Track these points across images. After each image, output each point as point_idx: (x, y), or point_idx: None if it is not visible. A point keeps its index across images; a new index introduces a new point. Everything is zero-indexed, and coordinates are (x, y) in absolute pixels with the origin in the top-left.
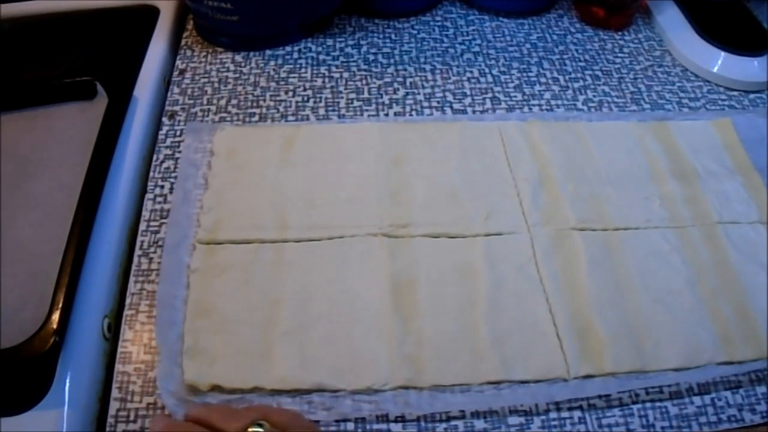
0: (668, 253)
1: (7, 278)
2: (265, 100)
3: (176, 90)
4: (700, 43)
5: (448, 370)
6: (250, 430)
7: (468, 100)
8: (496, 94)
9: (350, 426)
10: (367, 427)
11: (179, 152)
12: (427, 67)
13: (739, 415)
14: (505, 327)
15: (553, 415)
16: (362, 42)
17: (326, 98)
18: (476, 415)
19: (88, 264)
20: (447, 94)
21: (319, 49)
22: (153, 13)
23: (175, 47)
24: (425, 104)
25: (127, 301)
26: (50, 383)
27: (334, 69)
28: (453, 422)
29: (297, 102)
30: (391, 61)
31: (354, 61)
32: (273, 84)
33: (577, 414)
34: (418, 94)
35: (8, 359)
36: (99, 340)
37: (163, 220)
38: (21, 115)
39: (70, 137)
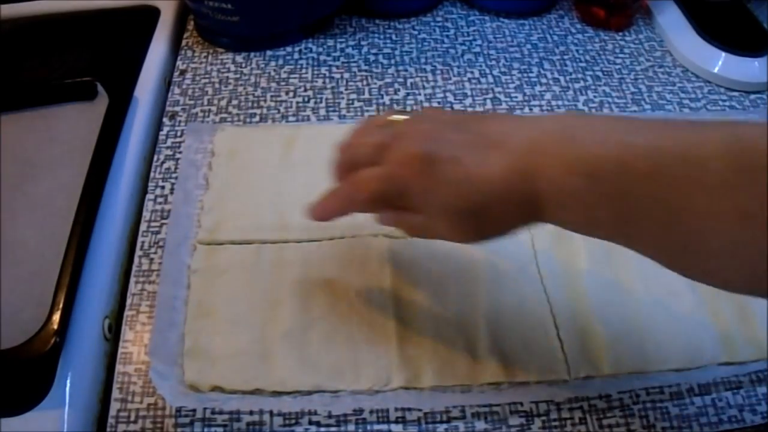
0: None
1: (8, 279)
2: (265, 101)
3: (177, 90)
4: (700, 44)
5: (448, 371)
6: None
7: (469, 101)
8: (497, 95)
9: (351, 427)
10: (368, 427)
11: (180, 153)
12: (428, 67)
13: (739, 415)
14: (506, 328)
15: (553, 415)
16: (363, 42)
17: (327, 99)
18: (477, 415)
19: (89, 264)
20: (448, 94)
21: (320, 49)
22: (153, 13)
23: (175, 48)
24: (426, 105)
25: (128, 301)
26: (51, 384)
27: (334, 69)
28: (454, 423)
29: (297, 102)
30: (392, 61)
31: (355, 62)
32: (274, 84)
33: (577, 414)
34: (419, 94)
35: (9, 360)
36: (100, 341)
37: (163, 221)
38: (21, 115)
39: (70, 138)
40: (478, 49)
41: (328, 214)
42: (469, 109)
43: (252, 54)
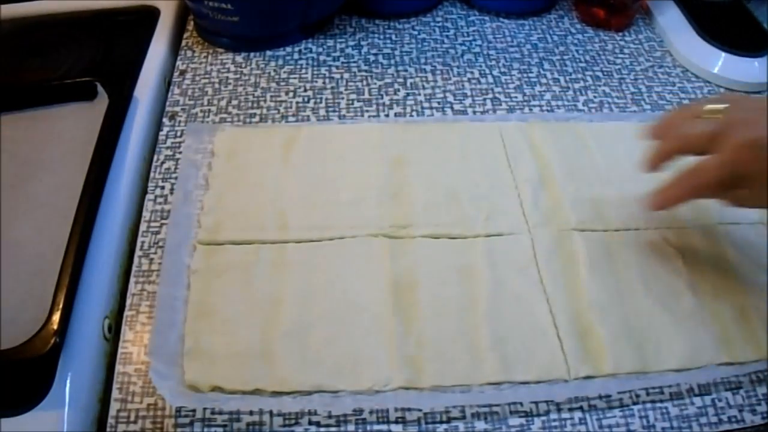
0: (669, 254)
1: (8, 279)
2: (265, 101)
3: (177, 91)
4: (700, 44)
5: (448, 371)
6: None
7: (468, 101)
8: (497, 95)
9: (351, 427)
10: (368, 427)
11: (180, 153)
12: (428, 67)
13: (739, 415)
14: (506, 328)
15: (553, 416)
16: (363, 43)
17: (327, 99)
18: (477, 416)
19: (89, 265)
20: (447, 94)
21: (320, 49)
22: (153, 13)
23: (175, 48)
24: (426, 105)
25: (128, 301)
26: (51, 384)
27: (334, 70)
28: (454, 423)
29: (297, 103)
30: (392, 61)
31: (354, 62)
32: (273, 85)
33: (577, 415)
34: (419, 94)
35: (9, 360)
36: (99, 341)
37: (163, 221)
38: (21, 115)
39: (70, 138)
40: (477, 50)
41: (670, 203)
42: (469, 111)
43: (252, 54)
